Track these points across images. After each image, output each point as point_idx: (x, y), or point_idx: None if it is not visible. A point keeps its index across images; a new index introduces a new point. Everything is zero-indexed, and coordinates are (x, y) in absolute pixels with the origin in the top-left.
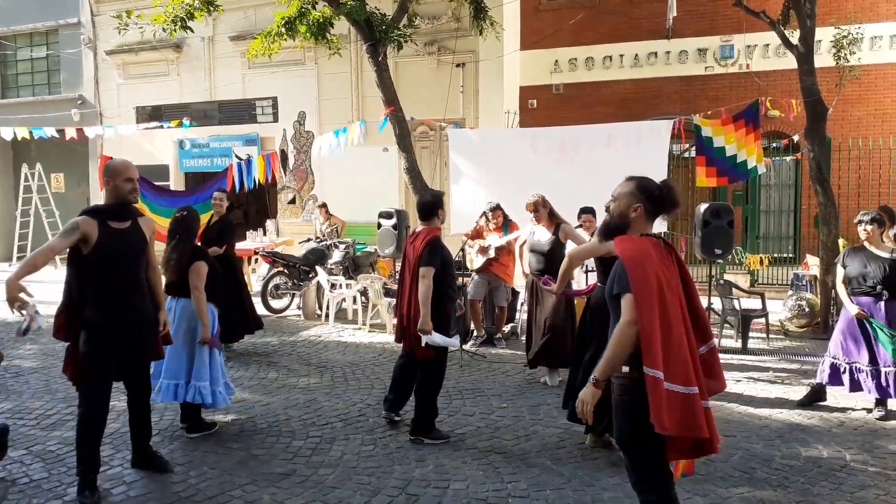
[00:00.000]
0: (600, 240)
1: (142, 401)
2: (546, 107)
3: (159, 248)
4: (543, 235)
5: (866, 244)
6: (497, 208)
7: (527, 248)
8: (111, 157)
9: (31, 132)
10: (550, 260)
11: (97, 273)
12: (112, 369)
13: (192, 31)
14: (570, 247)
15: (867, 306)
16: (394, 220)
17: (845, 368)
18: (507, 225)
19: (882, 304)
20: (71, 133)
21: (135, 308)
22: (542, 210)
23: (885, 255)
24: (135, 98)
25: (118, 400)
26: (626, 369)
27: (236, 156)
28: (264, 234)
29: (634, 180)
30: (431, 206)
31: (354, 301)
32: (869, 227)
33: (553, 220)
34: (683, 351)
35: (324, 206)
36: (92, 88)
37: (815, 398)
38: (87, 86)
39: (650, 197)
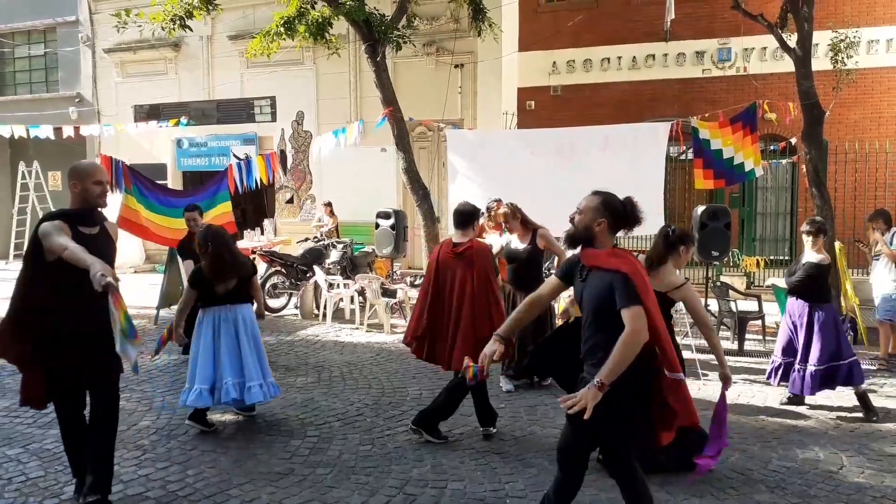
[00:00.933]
0: (565, 249)
1: (106, 419)
2: (544, 108)
3: (157, 249)
4: (519, 244)
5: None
6: (499, 202)
7: (503, 257)
8: (110, 157)
9: (28, 130)
10: (528, 268)
11: (65, 281)
12: (79, 384)
13: (190, 29)
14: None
15: (793, 306)
16: (392, 221)
17: (780, 365)
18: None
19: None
20: (68, 132)
21: (100, 317)
22: (514, 221)
23: (814, 260)
24: (133, 97)
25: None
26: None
27: (234, 155)
28: (262, 233)
29: (600, 195)
30: (472, 214)
31: (352, 301)
32: (809, 238)
33: (527, 227)
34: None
35: (329, 204)
36: (90, 87)
37: (795, 400)
38: (85, 84)
39: (614, 213)
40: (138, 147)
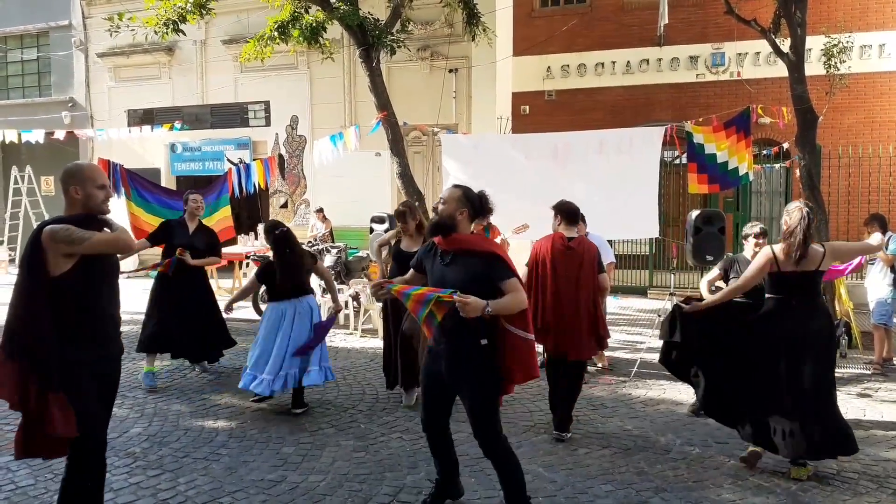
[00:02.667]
0: (426, 237)
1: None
2: (538, 113)
3: (153, 253)
4: (411, 248)
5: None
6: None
7: (389, 257)
8: (107, 160)
9: (19, 135)
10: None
11: (76, 300)
12: (103, 417)
13: (184, 34)
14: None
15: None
16: (386, 225)
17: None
18: (487, 229)
19: None
20: (59, 134)
21: (114, 340)
22: (412, 222)
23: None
24: (126, 101)
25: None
26: (484, 342)
27: (228, 160)
28: (255, 238)
29: (461, 188)
30: (577, 212)
31: (346, 306)
32: (761, 241)
33: (422, 233)
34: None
35: (320, 210)
36: (83, 91)
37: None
38: (78, 88)
39: (472, 204)
40: (132, 151)
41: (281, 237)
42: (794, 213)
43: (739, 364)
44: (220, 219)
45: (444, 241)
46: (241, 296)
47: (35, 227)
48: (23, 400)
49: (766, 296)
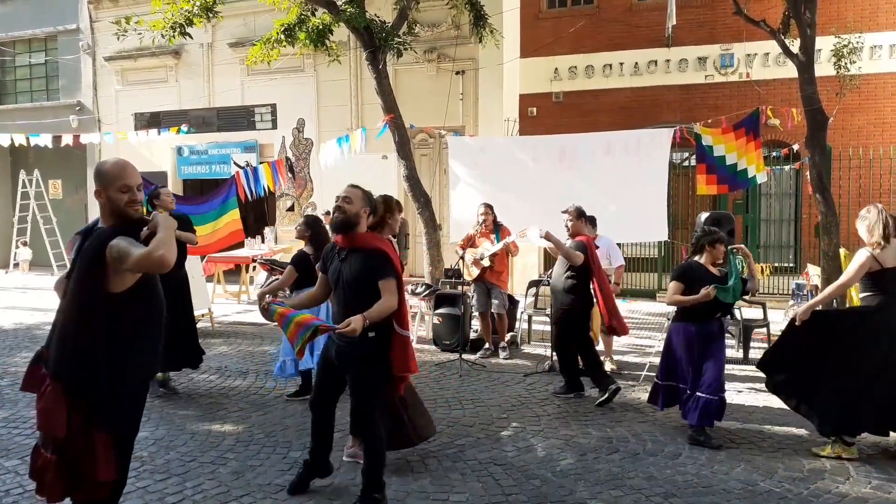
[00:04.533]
0: (332, 234)
1: None
2: (546, 115)
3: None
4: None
5: (708, 265)
6: (488, 206)
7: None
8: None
9: (27, 138)
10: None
11: (134, 317)
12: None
13: (190, 37)
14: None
15: (695, 329)
16: None
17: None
18: (497, 229)
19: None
20: (67, 140)
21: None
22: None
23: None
24: (133, 104)
25: None
26: (372, 334)
27: (235, 163)
28: (262, 241)
29: (360, 189)
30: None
31: None
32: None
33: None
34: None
35: (328, 213)
36: (90, 95)
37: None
38: (86, 92)
39: (371, 204)
40: (139, 155)
41: (324, 230)
42: (871, 211)
43: (840, 362)
44: (229, 222)
45: (344, 239)
46: (280, 286)
47: (44, 230)
48: (67, 433)
49: (864, 294)
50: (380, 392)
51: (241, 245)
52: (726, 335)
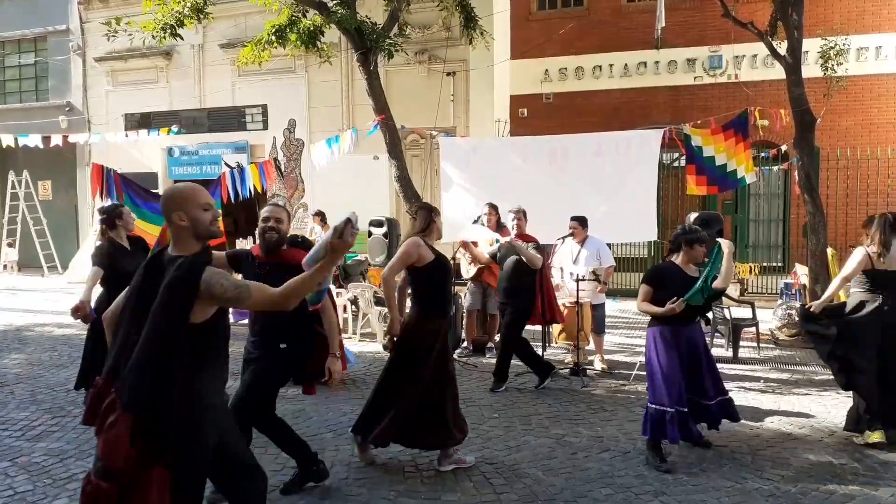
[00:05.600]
0: (265, 254)
1: None
2: (536, 116)
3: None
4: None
5: (682, 266)
6: (492, 206)
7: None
8: (101, 166)
9: (16, 139)
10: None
11: (212, 342)
12: None
13: (181, 38)
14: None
15: (683, 331)
16: (384, 229)
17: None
18: (500, 230)
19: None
20: (56, 140)
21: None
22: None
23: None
24: (123, 105)
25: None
26: (283, 346)
27: (226, 163)
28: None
29: (284, 208)
30: None
31: (345, 310)
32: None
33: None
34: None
35: (318, 214)
36: (80, 95)
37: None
38: (76, 93)
39: (290, 219)
40: (129, 156)
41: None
42: (876, 219)
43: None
44: None
45: (267, 256)
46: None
47: (34, 231)
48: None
49: (856, 290)
50: (271, 396)
51: (223, 247)
52: (716, 335)
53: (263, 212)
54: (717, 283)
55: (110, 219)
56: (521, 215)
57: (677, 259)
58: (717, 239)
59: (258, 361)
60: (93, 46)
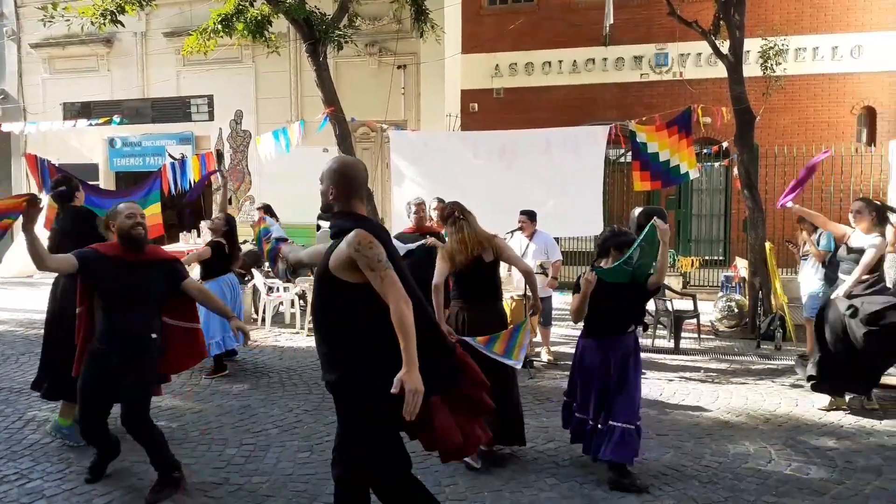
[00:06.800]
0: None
1: None
2: (487, 111)
3: None
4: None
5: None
6: (440, 201)
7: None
8: (35, 155)
9: None
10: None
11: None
12: None
13: (122, 25)
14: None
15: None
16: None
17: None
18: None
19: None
20: None
21: None
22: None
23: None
24: (62, 94)
25: (39, 410)
26: (155, 336)
27: (170, 155)
28: (198, 235)
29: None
30: None
31: (292, 305)
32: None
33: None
34: None
35: (261, 208)
36: (15, 83)
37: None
38: (10, 80)
39: None
40: (67, 146)
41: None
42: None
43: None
44: (148, 216)
45: (137, 253)
46: (195, 259)
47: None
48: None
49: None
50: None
51: (162, 241)
52: (659, 326)
53: (124, 209)
54: (652, 279)
55: (70, 192)
56: (423, 207)
57: (606, 264)
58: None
59: (132, 367)
60: (28, 32)
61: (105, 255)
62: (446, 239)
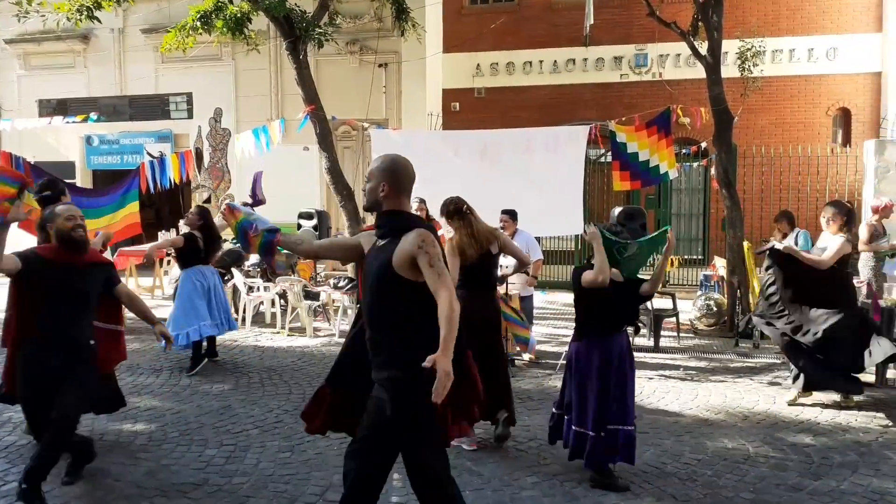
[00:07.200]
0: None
1: None
2: (468, 110)
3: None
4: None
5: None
6: (422, 201)
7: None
8: (10, 153)
9: None
10: None
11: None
12: None
13: (99, 21)
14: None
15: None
16: (314, 221)
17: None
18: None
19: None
20: None
21: None
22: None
23: None
24: (37, 91)
25: (14, 411)
26: (92, 342)
27: (148, 153)
28: (177, 234)
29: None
30: None
31: (273, 304)
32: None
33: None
34: None
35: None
36: None
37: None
38: None
39: None
40: (44, 144)
41: (213, 221)
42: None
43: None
44: (126, 214)
45: (75, 255)
46: (165, 245)
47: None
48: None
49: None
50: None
51: (140, 239)
52: (639, 324)
53: (63, 211)
54: (645, 286)
55: (56, 195)
56: (422, 207)
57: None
58: (665, 227)
59: (74, 371)
60: (2, 27)
61: (44, 257)
62: (447, 234)
